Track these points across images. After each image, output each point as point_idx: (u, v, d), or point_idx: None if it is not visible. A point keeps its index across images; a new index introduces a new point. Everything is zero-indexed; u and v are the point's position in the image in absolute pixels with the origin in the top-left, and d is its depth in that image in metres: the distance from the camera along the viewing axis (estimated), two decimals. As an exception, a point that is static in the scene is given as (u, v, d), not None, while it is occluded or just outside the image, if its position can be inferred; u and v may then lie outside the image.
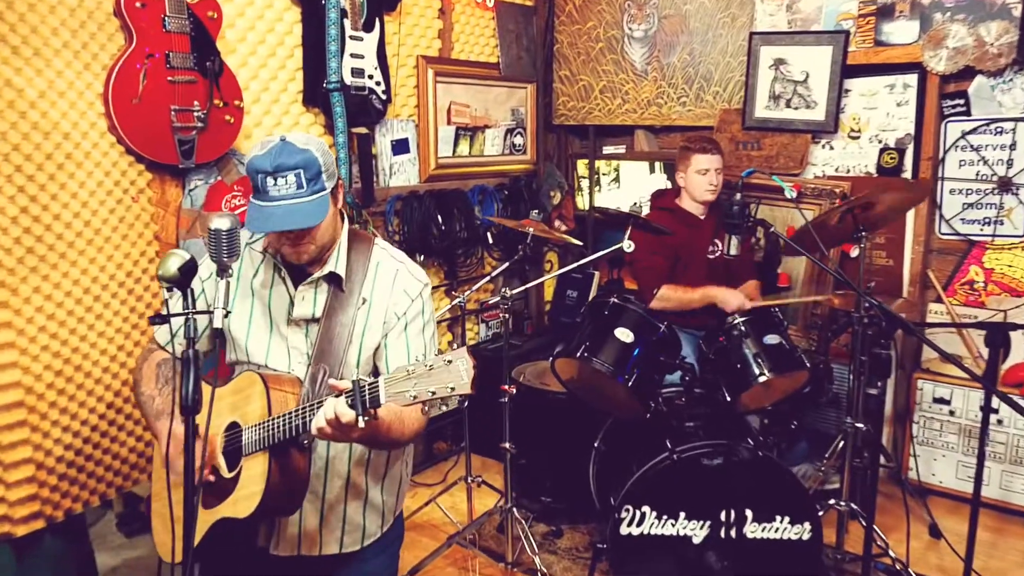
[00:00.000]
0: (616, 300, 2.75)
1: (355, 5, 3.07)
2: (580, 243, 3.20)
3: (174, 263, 1.46)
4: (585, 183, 4.51)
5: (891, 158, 3.48)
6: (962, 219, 3.39)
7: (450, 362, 1.35)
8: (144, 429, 2.59)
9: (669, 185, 4.05)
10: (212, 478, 1.62)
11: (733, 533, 2.49)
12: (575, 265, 3.04)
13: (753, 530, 2.49)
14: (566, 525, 3.23)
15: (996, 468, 3.25)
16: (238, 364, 1.76)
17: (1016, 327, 2.36)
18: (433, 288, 3.79)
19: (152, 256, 2.62)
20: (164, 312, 1.75)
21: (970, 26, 3.17)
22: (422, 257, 3.65)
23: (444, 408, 1.41)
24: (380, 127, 3.43)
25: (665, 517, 2.49)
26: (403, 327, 1.74)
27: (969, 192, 3.35)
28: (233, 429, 1.63)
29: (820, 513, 2.57)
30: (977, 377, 2.19)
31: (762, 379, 2.63)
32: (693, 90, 3.93)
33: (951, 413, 3.36)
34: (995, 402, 2.83)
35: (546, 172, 4.42)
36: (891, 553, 2.81)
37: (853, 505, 2.81)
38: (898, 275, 3.54)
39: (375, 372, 1.77)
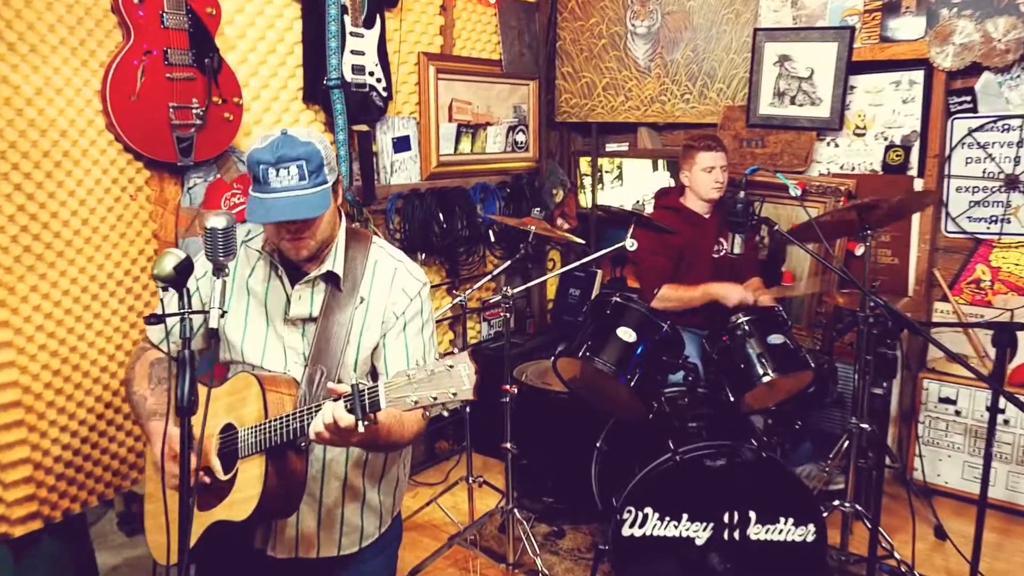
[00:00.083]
0: (618, 299, 2.73)
1: (355, 1, 3.04)
2: (582, 241, 3.17)
3: (170, 262, 1.44)
4: (588, 181, 4.48)
5: (897, 156, 3.45)
6: (968, 217, 3.36)
7: (452, 367, 1.33)
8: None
9: (672, 183, 4.03)
10: (207, 480, 1.60)
11: (736, 535, 2.46)
12: (577, 264, 3.01)
13: (757, 532, 2.46)
14: (568, 525, 3.21)
15: (1003, 469, 3.23)
16: (232, 364, 1.74)
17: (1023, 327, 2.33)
18: (435, 287, 3.79)
19: (150, 255, 2.60)
20: (160, 311, 1.74)
21: (977, 22, 3.14)
22: (423, 255, 3.63)
23: (445, 413, 1.39)
24: (381, 124, 3.40)
25: (668, 519, 2.47)
26: (402, 327, 1.71)
27: (976, 190, 3.32)
28: (229, 431, 1.61)
29: (824, 514, 2.54)
30: (984, 377, 2.17)
31: (766, 379, 2.60)
32: (697, 87, 3.90)
33: (957, 413, 3.33)
34: (1002, 402, 2.80)
35: (548, 170, 4.40)
36: (896, 555, 2.79)
37: (858, 506, 2.79)
38: (903, 274, 3.51)
39: (373, 372, 1.76)
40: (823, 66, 3.48)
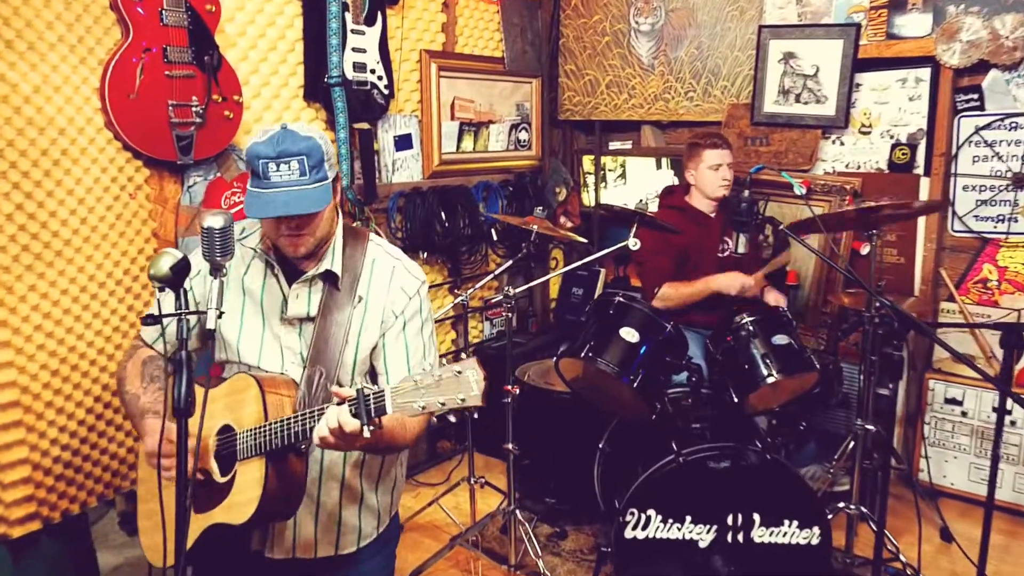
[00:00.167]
0: (621, 299, 2.70)
1: (357, -2, 3.03)
2: (585, 241, 3.15)
3: (166, 262, 1.42)
4: (591, 179, 4.46)
5: (903, 154, 3.42)
6: (975, 216, 3.32)
7: (459, 372, 1.32)
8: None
9: (676, 181, 4.00)
10: (200, 477, 1.58)
11: (740, 537, 2.44)
12: (580, 263, 2.99)
13: (761, 534, 2.44)
14: (570, 526, 3.19)
15: (1009, 470, 3.20)
16: (228, 363, 1.72)
17: (1032, 328, 2.30)
18: (437, 286, 3.77)
19: (150, 254, 2.59)
20: (156, 311, 1.72)
21: (985, 19, 3.10)
22: (425, 254, 3.61)
23: (452, 419, 1.37)
24: (382, 122, 3.38)
25: (671, 521, 2.45)
26: (401, 326, 1.70)
27: (983, 188, 3.29)
28: (226, 432, 1.59)
29: (829, 517, 2.52)
30: (991, 379, 2.14)
31: (770, 380, 2.57)
32: (701, 85, 3.87)
33: (963, 414, 3.30)
34: (1008, 403, 2.77)
35: (551, 168, 4.38)
36: (902, 557, 2.76)
37: (863, 508, 2.76)
38: (909, 273, 3.48)
39: (372, 372, 1.74)
40: (828, 63, 3.45)
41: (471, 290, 3.22)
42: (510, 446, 2.80)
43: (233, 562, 1.69)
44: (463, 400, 1.31)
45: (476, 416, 1.35)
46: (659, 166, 4.17)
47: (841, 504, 2.78)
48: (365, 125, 3.19)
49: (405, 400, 1.32)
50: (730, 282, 2.94)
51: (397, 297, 1.70)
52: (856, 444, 2.73)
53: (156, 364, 1.73)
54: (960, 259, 3.41)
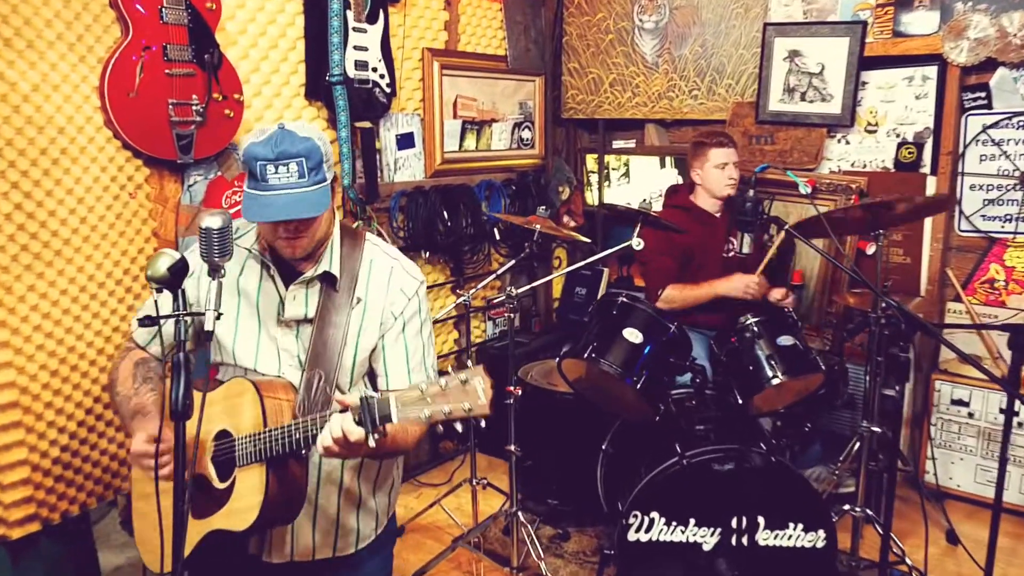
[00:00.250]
0: (624, 299, 2.68)
1: (358, -4, 3.01)
2: (589, 240, 3.13)
3: (164, 263, 1.40)
4: (594, 178, 4.43)
5: (909, 153, 3.39)
6: (982, 216, 3.29)
7: (465, 381, 1.30)
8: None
9: (680, 180, 3.97)
10: (192, 479, 1.57)
11: (745, 540, 2.42)
12: (583, 263, 2.96)
13: (765, 537, 2.42)
14: (573, 528, 3.17)
15: (1017, 472, 3.17)
16: (223, 366, 1.70)
17: (1041, 329, 2.27)
18: (439, 285, 3.75)
19: (150, 253, 2.57)
20: (153, 313, 1.70)
21: (992, 16, 3.07)
22: (427, 254, 3.59)
23: (458, 427, 1.36)
24: (384, 121, 3.36)
25: (674, 523, 2.43)
26: (400, 328, 1.68)
27: (990, 188, 3.26)
28: (224, 438, 1.57)
29: (834, 519, 2.50)
30: (998, 380, 2.11)
31: (775, 381, 2.55)
32: (705, 83, 3.85)
33: (970, 415, 3.27)
34: (1016, 405, 2.74)
35: (554, 167, 4.35)
36: (908, 560, 2.73)
37: (868, 511, 2.73)
38: (916, 273, 3.45)
39: (371, 374, 1.72)
40: (834, 61, 3.42)
41: (474, 290, 3.20)
42: (512, 447, 2.78)
43: (231, 567, 1.67)
44: (469, 409, 1.29)
45: (483, 425, 1.33)
46: (663, 165, 4.15)
47: (846, 506, 2.75)
48: (367, 124, 3.17)
49: (410, 409, 1.31)
50: (735, 285, 2.91)
51: (396, 298, 1.68)
52: (862, 446, 2.70)
53: (148, 366, 1.71)
54: (967, 259, 3.38)
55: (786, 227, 2.58)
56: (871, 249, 3.42)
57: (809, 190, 3.40)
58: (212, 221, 1.40)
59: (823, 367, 2.64)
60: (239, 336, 1.65)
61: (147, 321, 1.43)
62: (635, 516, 2.43)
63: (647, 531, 2.44)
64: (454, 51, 3.69)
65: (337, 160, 3.11)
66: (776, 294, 3.01)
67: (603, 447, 2.94)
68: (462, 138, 3.79)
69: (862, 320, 2.85)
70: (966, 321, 3.35)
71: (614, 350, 2.58)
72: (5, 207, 2.15)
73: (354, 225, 3.16)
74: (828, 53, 3.43)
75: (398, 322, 1.68)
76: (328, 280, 1.64)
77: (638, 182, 4.26)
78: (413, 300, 1.70)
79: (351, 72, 3.02)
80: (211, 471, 1.58)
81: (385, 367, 1.68)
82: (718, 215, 3.16)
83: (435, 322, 3.61)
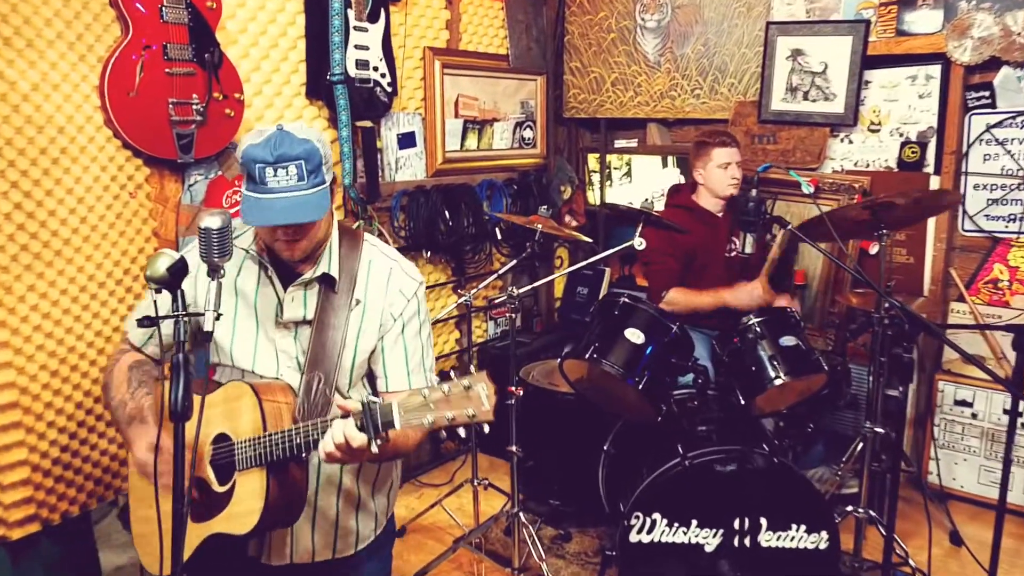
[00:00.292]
0: (626, 300, 2.67)
1: (359, -5, 2.99)
2: (590, 240, 3.12)
3: (163, 263, 1.39)
4: (596, 178, 4.42)
5: (912, 152, 3.37)
6: (986, 215, 3.28)
7: (468, 387, 1.29)
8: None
9: (682, 180, 3.96)
10: (195, 494, 1.56)
11: (747, 542, 2.41)
12: (585, 263, 2.95)
13: (768, 539, 2.41)
14: (575, 529, 3.16)
15: (1020, 473, 3.16)
16: (220, 367, 1.69)
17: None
18: (440, 285, 3.74)
19: (151, 253, 2.56)
20: (152, 313, 1.68)
21: (996, 15, 3.05)
22: (429, 254, 3.58)
23: (461, 433, 1.35)
24: (385, 120, 3.35)
25: (676, 525, 2.42)
26: (400, 330, 1.67)
27: (994, 187, 3.24)
28: (222, 441, 1.56)
29: (837, 520, 2.49)
30: (1002, 381, 2.10)
31: (778, 382, 2.54)
32: (707, 82, 3.83)
33: (973, 416, 3.26)
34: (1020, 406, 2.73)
35: (556, 166, 4.34)
36: (911, 562, 2.72)
37: (871, 512, 2.72)
38: (919, 273, 3.43)
39: (370, 375, 1.71)
40: (837, 60, 3.41)
41: (475, 290, 3.19)
42: (514, 448, 2.77)
43: (230, 570, 1.66)
44: (471, 415, 1.29)
45: (487, 430, 1.34)
46: (665, 164, 4.13)
47: (849, 507, 2.74)
48: (368, 123, 3.16)
49: (413, 415, 1.31)
50: (740, 298, 2.88)
51: (395, 299, 1.67)
52: (865, 447, 2.69)
53: (143, 369, 1.70)
54: (970, 259, 3.36)
55: (789, 227, 2.56)
56: (874, 249, 3.40)
57: (812, 190, 3.37)
58: (212, 221, 1.39)
59: (826, 367, 2.62)
60: (237, 337, 1.64)
61: (146, 322, 1.42)
62: (637, 517, 2.42)
63: (649, 532, 2.43)
64: (455, 50, 3.68)
65: (338, 160, 3.10)
66: (782, 301, 3.00)
67: (605, 448, 2.93)
68: (463, 137, 3.78)
69: (865, 320, 2.84)
70: (969, 321, 3.34)
71: (616, 350, 2.57)
72: (5, 207, 2.15)
73: (355, 225, 3.15)
74: (831, 52, 3.42)
75: (397, 323, 1.67)
76: (327, 281, 1.63)
77: (640, 182, 4.25)
78: (412, 301, 1.69)
79: (352, 71, 3.01)
80: (210, 474, 1.57)
81: (384, 368, 1.67)
82: (720, 215, 3.15)
83: (436, 322, 3.60)
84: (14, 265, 2.19)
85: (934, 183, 3.35)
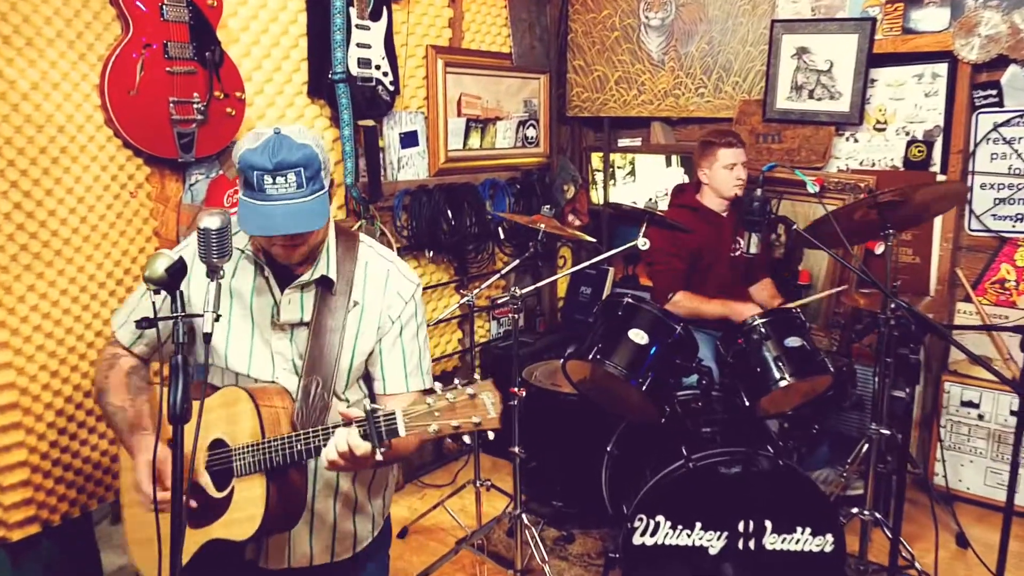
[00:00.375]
0: (630, 300, 2.65)
1: (362, -7, 2.97)
2: (594, 239, 3.10)
3: (161, 264, 1.38)
4: (599, 177, 4.40)
5: (919, 151, 3.35)
6: (993, 215, 3.25)
7: (473, 396, 1.30)
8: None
9: (686, 179, 3.94)
10: (194, 504, 1.54)
11: (752, 544, 2.39)
12: (588, 264, 2.93)
13: (772, 542, 2.39)
14: (577, 530, 3.14)
15: (1027, 475, 3.12)
16: (213, 368, 1.67)
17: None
18: (443, 285, 3.73)
19: (151, 253, 2.54)
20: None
21: (1004, 13, 3.03)
22: (431, 253, 3.56)
23: (467, 440, 1.35)
24: (388, 119, 3.33)
25: (680, 527, 2.40)
26: (398, 332, 1.66)
27: (1001, 187, 3.21)
28: (218, 447, 1.54)
29: (843, 522, 2.46)
30: (1009, 382, 2.08)
31: (783, 383, 2.51)
32: (712, 80, 3.81)
33: (980, 417, 3.23)
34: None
35: (559, 165, 4.32)
36: (917, 565, 2.70)
37: (877, 515, 2.70)
38: (925, 273, 3.41)
39: (367, 378, 1.70)
40: (843, 59, 3.38)
41: (478, 289, 3.17)
42: (516, 449, 2.75)
43: (227, 574, 1.65)
44: (477, 423, 1.29)
45: (491, 437, 1.33)
46: (669, 163, 4.11)
47: (855, 509, 2.72)
48: (370, 122, 3.14)
49: (417, 423, 1.30)
50: (746, 312, 2.85)
51: (393, 302, 1.66)
52: (870, 448, 2.67)
53: (140, 374, 1.68)
54: (977, 259, 3.34)
55: (794, 226, 2.54)
56: (880, 249, 3.37)
57: (817, 189, 3.36)
58: (211, 221, 1.37)
59: (831, 369, 2.60)
60: (231, 339, 1.62)
61: (145, 323, 1.41)
62: (640, 519, 2.40)
63: (652, 535, 2.41)
64: (458, 48, 3.66)
65: (340, 159, 3.08)
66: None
67: (608, 449, 2.91)
68: (466, 136, 3.76)
69: (871, 321, 2.81)
70: (976, 322, 3.31)
71: (619, 351, 2.55)
72: (4, 206, 2.13)
73: (357, 224, 3.14)
74: (837, 50, 3.39)
75: (395, 326, 1.66)
76: (324, 283, 1.62)
77: (644, 181, 4.23)
78: (410, 304, 1.68)
79: (354, 70, 2.99)
80: (207, 480, 1.55)
81: (382, 371, 1.66)
82: (725, 214, 3.12)
83: (439, 322, 3.59)
84: (14, 265, 2.18)
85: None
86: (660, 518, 2.40)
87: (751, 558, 2.39)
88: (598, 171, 4.41)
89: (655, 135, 4.17)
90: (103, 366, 1.71)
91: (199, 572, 1.54)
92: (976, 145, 3.23)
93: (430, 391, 1.36)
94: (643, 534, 2.40)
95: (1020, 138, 3.14)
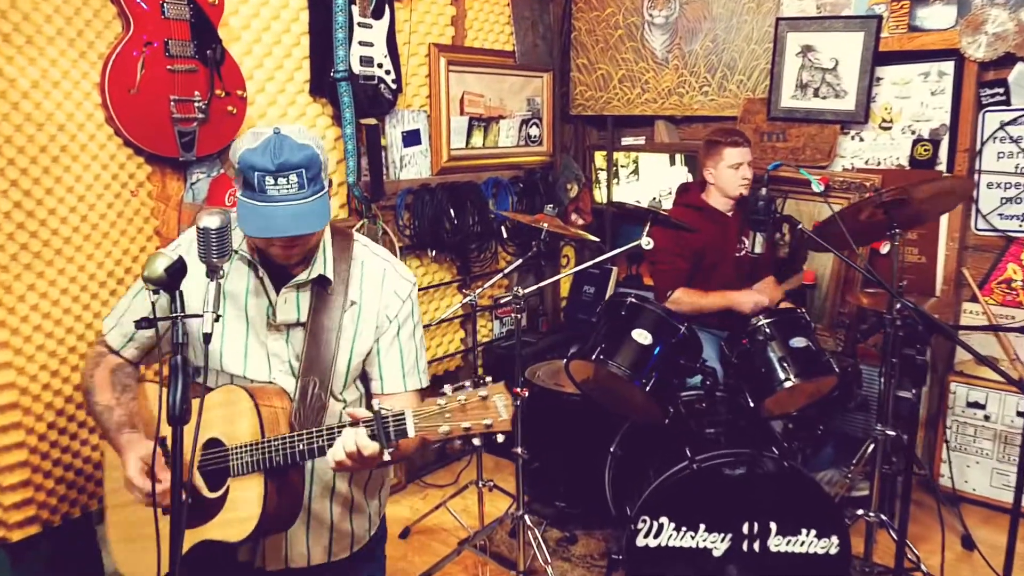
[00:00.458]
0: (633, 300, 2.63)
1: (364, -9, 2.96)
2: (597, 239, 3.08)
3: (161, 264, 1.37)
4: (603, 176, 4.38)
5: (925, 150, 3.32)
6: (1000, 214, 3.22)
7: (485, 397, 1.29)
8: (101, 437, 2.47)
9: (690, 178, 3.92)
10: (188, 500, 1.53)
11: (756, 546, 2.37)
12: (591, 263, 2.91)
13: (777, 543, 2.37)
14: (580, 531, 3.12)
15: (1034, 476, 3.10)
16: (207, 370, 1.66)
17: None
18: (445, 284, 3.71)
19: (153, 252, 2.53)
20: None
21: (1011, 10, 3.00)
22: (434, 252, 3.55)
23: (476, 442, 1.34)
24: (390, 118, 3.31)
25: (684, 529, 2.38)
26: (395, 331, 1.65)
27: (1008, 186, 3.19)
28: (213, 446, 1.53)
29: (848, 524, 2.44)
30: (1016, 383, 2.06)
31: (788, 384, 2.50)
32: (716, 79, 3.79)
33: (986, 418, 3.21)
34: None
35: (562, 164, 4.30)
36: (923, 567, 2.68)
37: (883, 516, 2.68)
38: (931, 273, 3.38)
39: (364, 377, 1.69)
40: (848, 57, 3.35)
41: (480, 289, 3.17)
42: (519, 449, 2.74)
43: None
44: (488, 425, 1.29)
45: (500, 440, 1.33)
46: (673, 162, 4.09)
47: (860, 511, 2.70)
48: (372, 121, 3.13)
49: (427, 423, 1.30)
50: (743, 301, 2.86)
51: (391, 301, 1.65)
52: (876, 449, 2.65)
53: (125, 371, 1.67)
54: (984, 258, 3.31)
55: (799, 226, 2.52)
56: (885, 248, 3.35)
57: (822, 188, 3.33)
58: (210, 221, 1.36)
59: (836, 369, 2.58)
60: (226, 340, 1.60)
61: (144, 323, 1.40)
62: (644, 521, 2.38)
63: (656, 536, 2.39)
64: (461, 47, 3.64)
65: (342, 158, 3.07)
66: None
67: (611, 449, 2.89)
68: (469, 135, 3.74)
69: (876, 321, 2.79)
70: (982, 322, 3.29)
71: (623, 351, 2.54)
72: (4, 205, 2.13)
73: (359, 223, 3.12)
74: (842, 48, 3.36)
75: (393, 325, 1.65)
76: (320, 282, 1.60)
77: (647, 180, 4.20)
78: (407, 303, 1.67)
79: (356, 68, 2.97)
80: (199, 480, 1.53)
81: (380, 371, 1.65)
82: (730, 214, 3.10)
83: (441, 321, 3.58)
84: (14, 264, 2.17)
85: (947, 181, 3.30)
86: (664, 519, 2.38)
87: (756, 560, 2.37)
88: (601, 170, 4.39)
89: (659, 134, 4.15)
90: (89, 365, 1.69)
91: (189, 574, 1.52)
92: (983, 144, 3.20)
93: (440, 392, 1.36)
94: (647, 536, 2.39)
95: (1027, 137, 3.11)
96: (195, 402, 1.30)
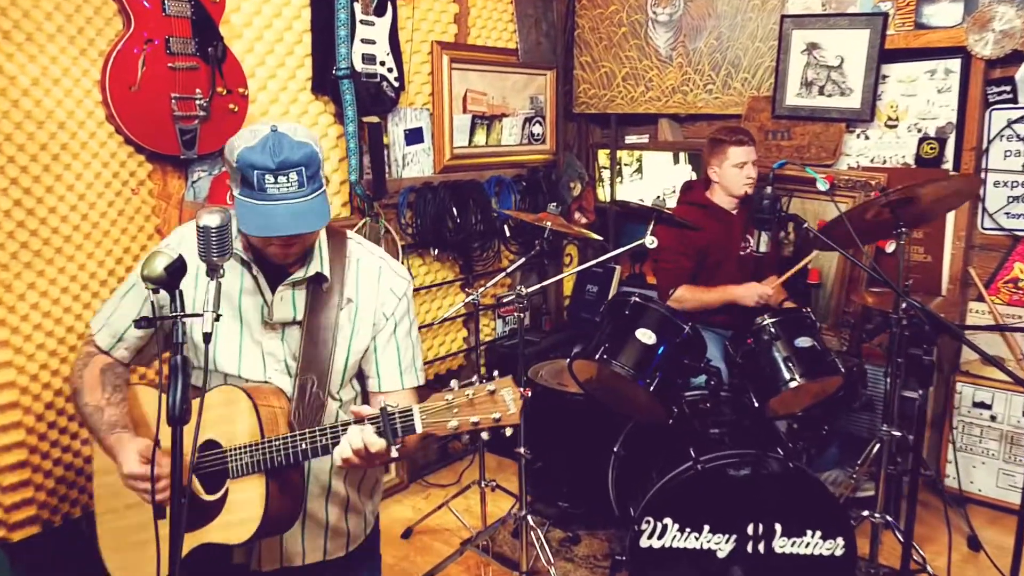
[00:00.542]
0: (637, 299, 2.61)
1: (366, -12, 2.94)
2: (600, 238, 3.06)
3: (160, 263, 1.35)
4: (606, 174, 4.36)
5: (931, 148, 3.30)
6: (1007, 213, 3.20)
7: (493, 392, 1.29)
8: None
9: (694, 176, 3.90)
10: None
11: (761, 548, 2.36)
12: (595, 262, 2.90)
13: (782, 545, 2.35)
14: (583, 531, 3.11)
15: (1040, 477, 3.08)
16: (207, 370, 1.64)
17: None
18: (448, 283, 3.70)
19: (153, 251, 2.52)
20: (151, 315, 1.64)
21: (1019, 7, 2.97)
22: (436, 251, 3.53)
23: (485, 436, 1.33)
24: (393, 116, 3.30)
25: (688, 530, 2.36)
26: (392, 329, 1.64)
27: (1015, 185, 3.16)
28: (210, 448, 1.51)
29: (853, 525, 2.42)
30: (1022, 382, 2.04)
31: (793, 384, 2.48)
32: (720, 77, 3.76)
33: (992, 418, 3.19)
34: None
35: (566, 162, 4.28)
36: (929, 568, 2.66)
37: (888, 517, 2.66)
38: (937, 272, 3.36)
39: (360, 375, 1.69)
40: (854, 54, 3.33)
41: (483, 288, 3.15)
42: (522, 449, 2.72)
43: None
44: (496, 419, 1.29)
45: (508, 434, 1.32)
46: (676, 161, 4.07)
47: (866, 512, 2.68)
48: (375, 119, 3.11)
49: (435, 419, 1.29)
50: (748, 293, 2.85)
51: (387, 299, 1.64)
52: (881, 450, 2.63)
53: (115, 371, 1.65)
54: (990, 258, 3.28)
55: (805, 225, 2.50)
56: (891, 247, 3.33)
57: (827, 186, 3.30)
58: (210, 219, 1.35)
59: (842, 369, 2.56)
60: (220, 340, 1.58)
61: (144, 322, 1.38)
62: (647, 522, 2.37)
63: (660, 537, 2.37)
64: (464, 44, 3.62)
65: (344, 156, 3.05)
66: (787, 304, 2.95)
67: (615, 449, 2.88)
68: (472, 133, 3.72)
69: (882, 320, 2.77)
70: (989, 321, 3.26)
71: (626, 351, 2.52)
72: (4, 204, 2.12)
73: (361, 222, 3.11)
74: (847, 45, 3.34)
75: (389, 323, 1.64)
76: (316, 280, 1.59)
77: (651, 178, 4.19)
78: (403, 300, 1.66)
79: (358, 66, 2.96)
80: (196, 483, 1.52)
81: (377, 368, 1.65)
82: (735, 212, 3.08)
83: (444, 320, 3.56)
84: (14, 263, 2.16)
85: (953, 180, 3.27)
86: (668, 520, 2.37)
87: (760, 561, 2.36)
88: (605, 168, 4.37)
89: (663, 132, 4.13)
90: (77, 365, 1.67)
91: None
92: (989, 142, 3.18)
93: (447, 387, 1.35)
94: (650, 537, 2.37)
95: (1034, 135, 3.09)
96: (194, 402, 1.29)
